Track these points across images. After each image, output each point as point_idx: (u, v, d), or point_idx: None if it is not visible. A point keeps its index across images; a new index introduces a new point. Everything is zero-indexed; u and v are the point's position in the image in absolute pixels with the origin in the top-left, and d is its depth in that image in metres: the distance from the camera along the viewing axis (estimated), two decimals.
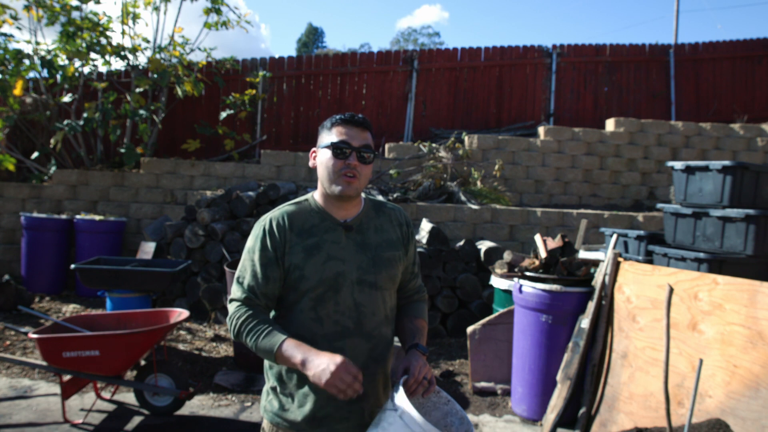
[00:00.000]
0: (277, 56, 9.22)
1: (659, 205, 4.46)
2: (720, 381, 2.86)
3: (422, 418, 1.49)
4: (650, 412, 3.22)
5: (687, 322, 3.14)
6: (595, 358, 3.69)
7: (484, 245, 6.05)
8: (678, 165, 4.17)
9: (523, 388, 4.00)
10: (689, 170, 4.08)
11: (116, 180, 7.71)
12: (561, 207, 7.69)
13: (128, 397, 4.14)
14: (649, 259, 4.16)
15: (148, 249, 6.18)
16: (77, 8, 7.76)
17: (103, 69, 8.50)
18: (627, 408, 3.39)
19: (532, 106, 9.46)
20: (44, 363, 3.68)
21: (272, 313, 1.85)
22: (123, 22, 8.05)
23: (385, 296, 1.83)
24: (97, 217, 6.71)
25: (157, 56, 8.02)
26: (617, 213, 7.08)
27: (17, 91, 7.45)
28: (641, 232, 4.27)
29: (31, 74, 7.90)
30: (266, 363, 1.84)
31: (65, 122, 7.51)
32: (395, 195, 7.08)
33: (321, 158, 1.80)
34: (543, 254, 4.30)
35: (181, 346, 5.12)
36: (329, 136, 1.78)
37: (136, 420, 3.84)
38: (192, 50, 8.46)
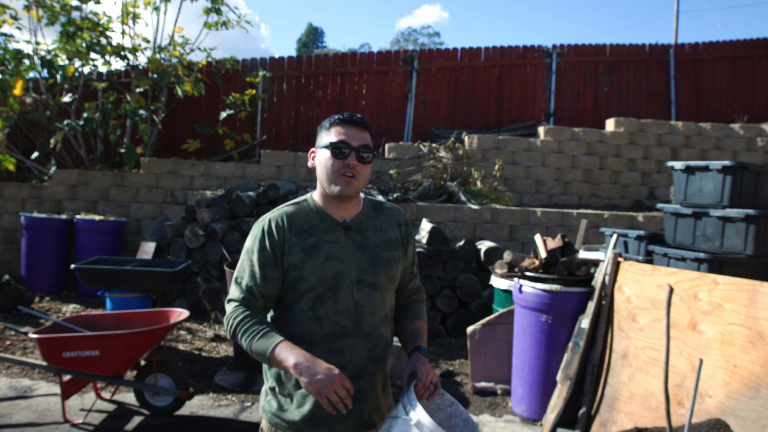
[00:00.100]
0: (277, 56, 9.23)
1: (659, 205, 4.46)
2: (720, 381, 2.86)
3: (439, 428, 1.50)
4: (650, 412, 3.22)
5: (687, 322, 3.14)
6: (595, 358, 3.69)
7: (484, 245, 6.05)
8: (678, 165, 4.17)
9: (523, 388, 4.00)
10: (689, 170, 4.08)
11: (116, 180, 7.71)
12: (561, 207, 7.69)
13: (128, 397, 4.14)
14: (649, 259, 4.16)
15: (148, 249, 6.18)
16: (77, 8, 7.76)
17: (103, 69, 8.51)
18: (627, 408, 3.39)
19: (532, 106, 9.46)
20: (44, 363, 3.68)
21: (270, 314, 1.85)
22: (123, 22, 8.05)
23: (384, 296, 1.83)
24: (97, 217, 6.71)
25: (157, 56, 8.02)
26: (617, 213, 7.08)
27: (17, 91, 7.45)
28: (641, 232, 4.27)
29: (31, 74, 7.90)
30: None
31: (65, 122, 7.51)
32: (395, 195, 7.08)
33: (320, 158, 1.79)
34: (543, 254, 4.30)
35: (181, 346, 5.12)
36: (328, 136, 1.78)
37: (136, 420, 3.85)
38: (192, 50, 8.46)
